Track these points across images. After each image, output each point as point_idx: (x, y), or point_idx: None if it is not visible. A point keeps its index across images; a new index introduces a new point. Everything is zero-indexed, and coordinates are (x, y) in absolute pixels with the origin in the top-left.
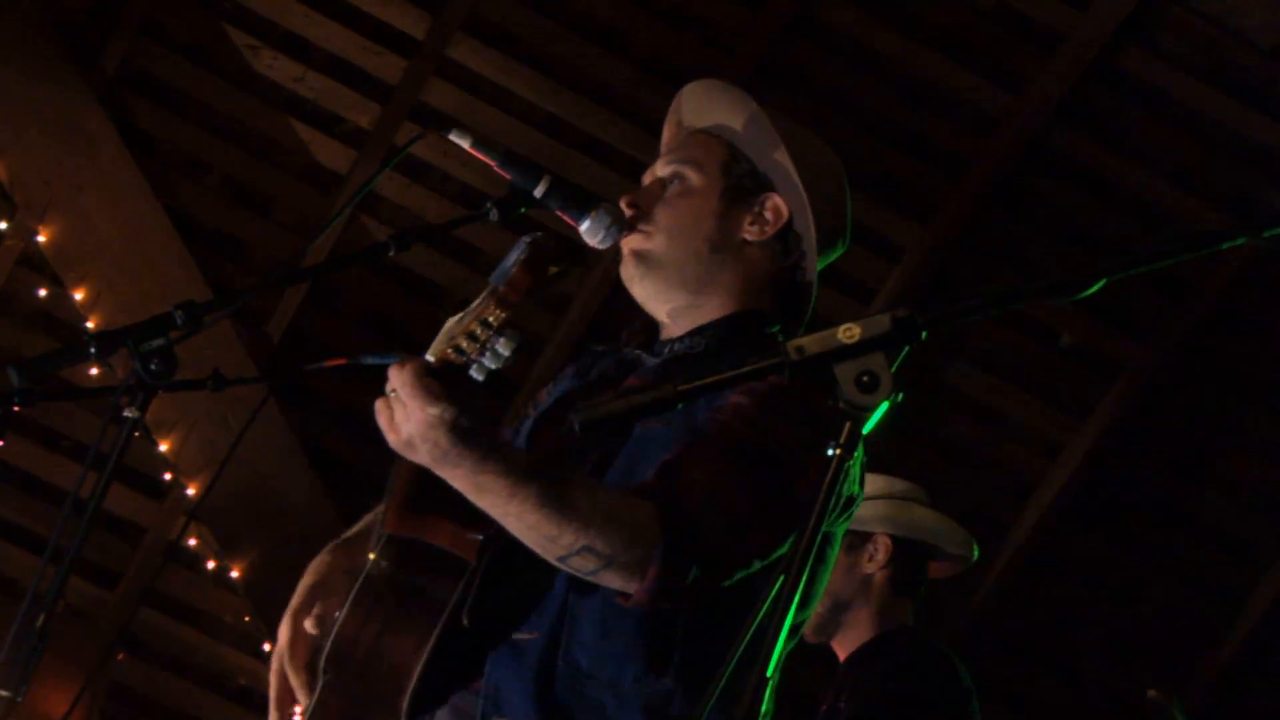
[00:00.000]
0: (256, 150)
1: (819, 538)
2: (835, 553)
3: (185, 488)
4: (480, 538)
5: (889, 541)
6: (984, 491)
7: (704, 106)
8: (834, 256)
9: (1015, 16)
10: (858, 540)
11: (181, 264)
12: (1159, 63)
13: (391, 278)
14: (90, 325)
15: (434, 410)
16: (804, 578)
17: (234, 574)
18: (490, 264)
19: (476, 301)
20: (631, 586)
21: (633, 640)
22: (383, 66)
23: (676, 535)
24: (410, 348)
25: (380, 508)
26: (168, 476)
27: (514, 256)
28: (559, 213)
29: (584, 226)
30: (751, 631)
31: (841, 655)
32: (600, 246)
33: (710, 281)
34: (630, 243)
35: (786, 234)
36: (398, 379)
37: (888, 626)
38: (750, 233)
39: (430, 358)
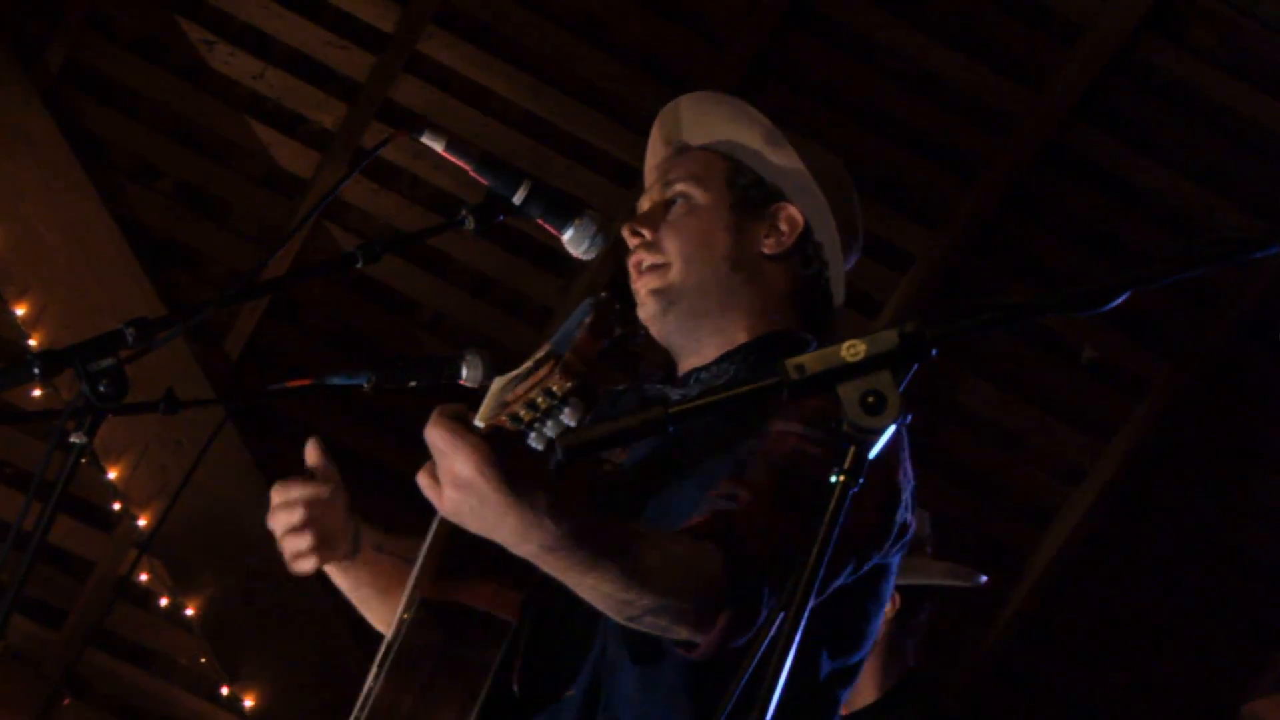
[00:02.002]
0: (212, 153)
1: (869, 567)
2: (890, 585)
3: (136, 518)
4: (522, 596)
5: (898, 598)
6: (1000, 519)
7: (696, 121)
8: (849, 264)
9: (1032, 7)
10: None
11: (132, 276)
12: (1186, 56)
13: (359, 291)
14: (33, 343)
15: (489, 469)
16: (806, 611)
17: (189, 612)
18: (465, 275)
19: (529, 364)
20: (699, 637)
21: (676, 691)
22: (348, 62)
23: (742, 581)
24: (379, 365)
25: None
26: (117, 506)
27: (576, 319)
28: (540, 221)
29: (566, 235)
30: (752, 666)
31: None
32: (585, 257)
33: (733, 303)
34: (646, 283)
35: (805, 244)
36: (433, 433)
37: (891, 679)
38: (768, 246)
39: (480, 423)
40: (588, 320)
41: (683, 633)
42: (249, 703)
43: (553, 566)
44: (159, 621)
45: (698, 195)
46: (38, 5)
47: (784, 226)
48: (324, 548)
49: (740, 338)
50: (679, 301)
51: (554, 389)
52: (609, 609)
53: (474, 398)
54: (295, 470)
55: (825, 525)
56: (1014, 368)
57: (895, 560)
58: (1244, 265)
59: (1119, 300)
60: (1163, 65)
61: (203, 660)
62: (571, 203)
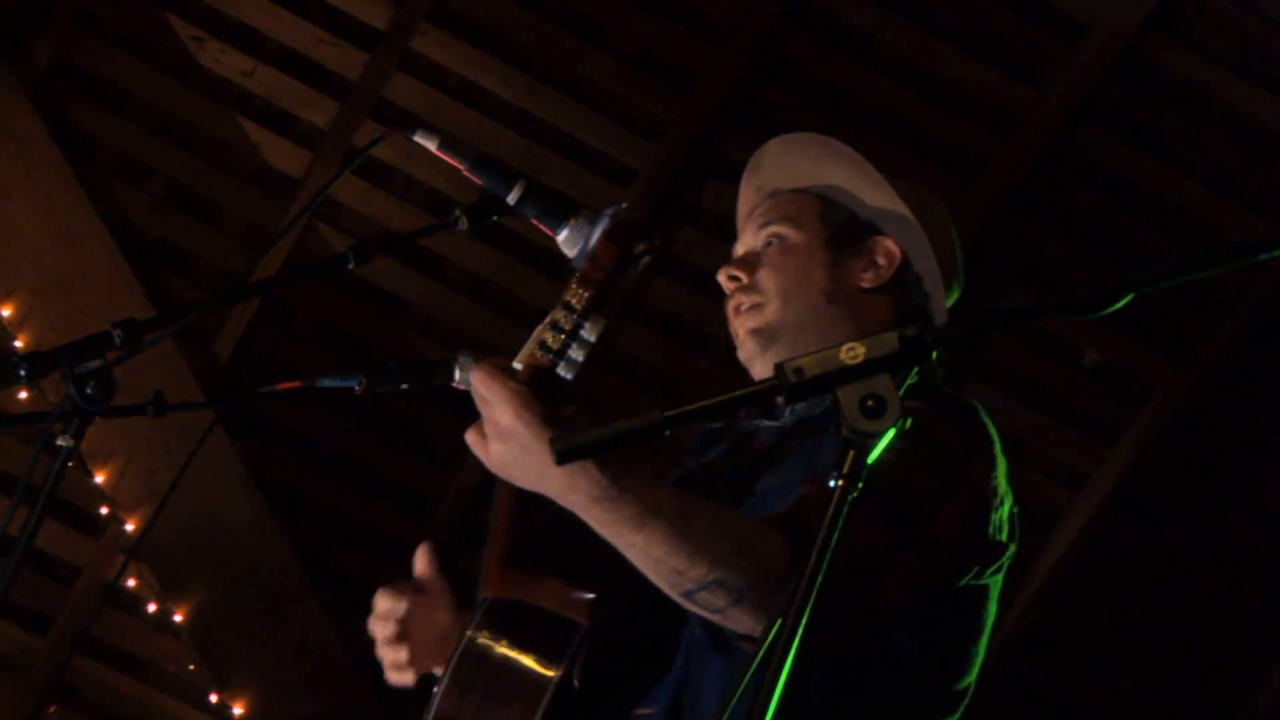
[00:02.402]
0: (202, 152)
1: (962, 587)
2: (993, 610)
3: (124, 523)
4: (592, 597)
5: None
6: None
7: (784, 163)
8: (951, 300)
9: (1035, 5)
10: None
11: (120, 277)
12: (1192, 55)
13: (351, 292)
14: (19, 345)
15: (526, 413)
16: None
17: (177, 618)
18: (459, 276)
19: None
20: (759, 627)
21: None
22: (341, 60)
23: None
24: (371, 368)
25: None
26: (104, 511)
27: (597, 230)
28: (534, 221)
29: (562, 236)
30: (748, 678)
31: None
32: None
33: (830, 337)
34: (744, 323)
35: (904, 276)
36: (476, 382)
37: None
38: (865, 279)
39: (517, 365)
40: (604, 227)
41: (743, 619)
42: (238, 710)
43: (601, 520)
44: (147, 628)
45: (791, 234)
46: (25, 1)
47: (881, 259)
48: (422, 659)
49: None
50: (778, 339)
51: (572, 302)
52: (662, 578)
53: (468, 400)
54: (294, 481)
55: (824, 529)
56: (1015, 371)
57: (995, 583)
58: (1249, 267)
59: (1122, 303)
60: (1168, 65)
61: (191, 667)
62: (567, 203)
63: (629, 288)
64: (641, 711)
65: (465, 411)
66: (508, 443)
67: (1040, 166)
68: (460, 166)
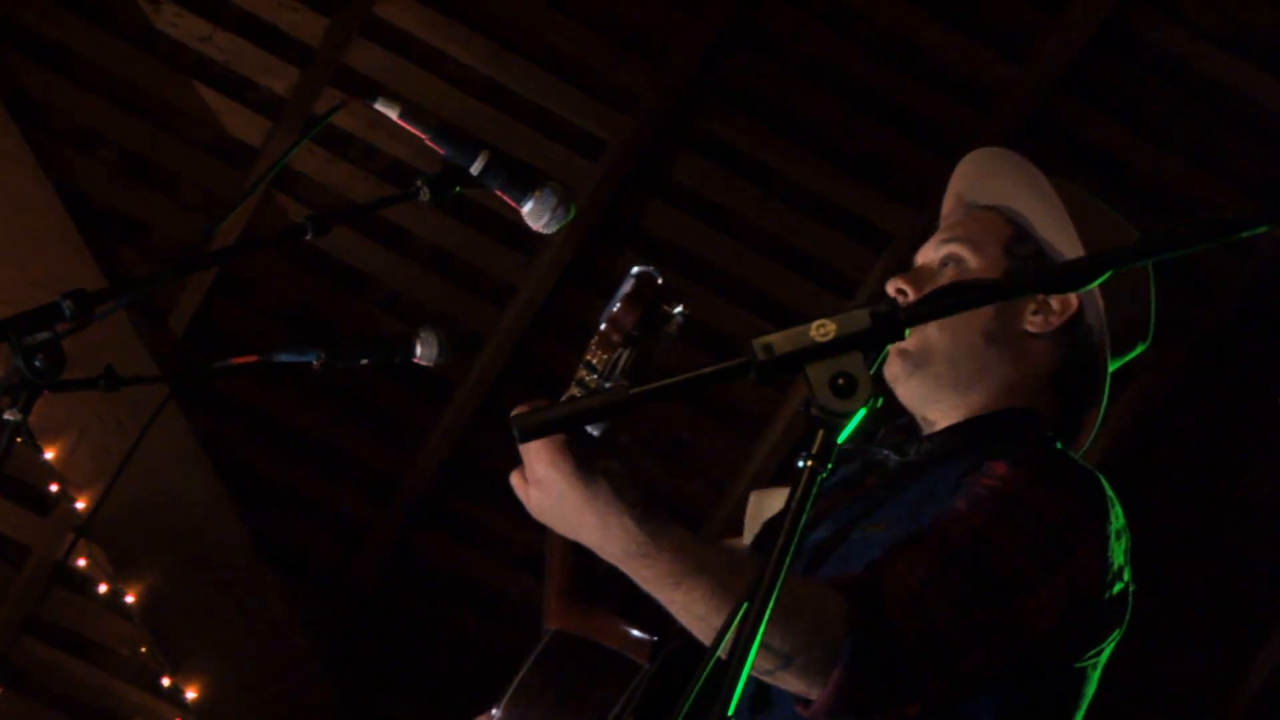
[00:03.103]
0: (158, 120)
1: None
2: (1092, 690)
3: (74, 501)
4: (654, 639)
5: None
6: None
7: (986, 179)
8: (1132, 355)
9: None
10: None
11: (72, 248)
12: (1177, 28)
13: (310, 264)
14: None
15: (562, 461)
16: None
17: (129, 599)
18: (421, 248)
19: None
20: (814, 692)
21: None
22: (301, 25)
23: (868, 640)
24: (330, 342)
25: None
26: (54, 488)
27: (619, 292)
28: (499, 192)
29: (526, 208)
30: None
31: None
32: (545, 231)
33: (982, 378)
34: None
35: (1075, 326)
36: (521, 444)
37: None
38: (1033, 324)
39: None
40: (626, 290)
41: (794, 682)
42: (191, 695)
43: (638, 575)
44: (98, 609)
45: (970, 259)
46: None
47: (1055, 305)
48: None
49: (981, 411)
50: (925, 366)
51: (593, 362)
52: (705, 638)
53: (429, 376)
54: (251, 458)
55: (792, 512)
56: None
57: (1097, 664)
58: (1234, 246)
59: (1099, 280)
60: (1152, 38)
61: (143, 650)
62: (532, 174)
63: (664, 355)
64: None
65: (426, 387)
66: (544, 490)
67: (1020, 141)
68: (423, 136)
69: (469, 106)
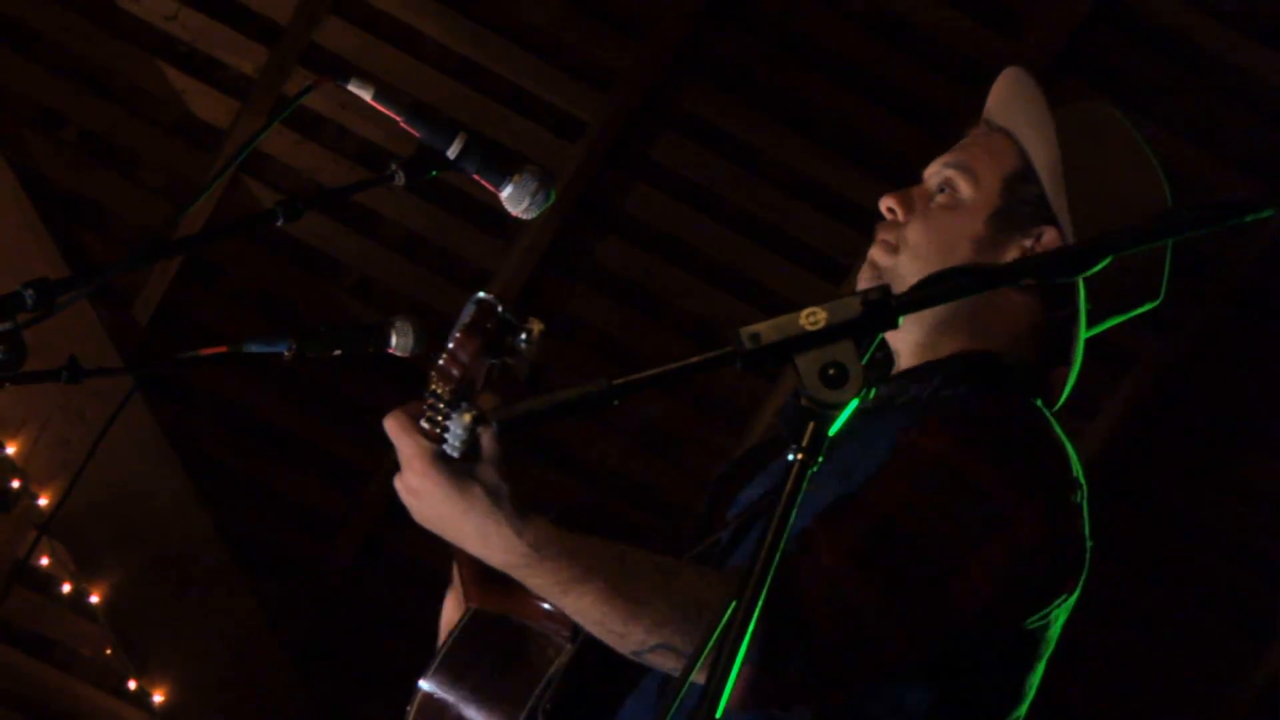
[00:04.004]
0: (121, 100)
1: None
2: (1055, 636)
3: (36, 497)
4: None
5: None
6: None
7: (1008, 102)
8: (1139, 312)
9: None
10: None
11: (32, 234)
12: (1176, 1)
13: (279, 251)
14: None
15: (435, 473)
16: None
17: (93, 598)
18: (395, 234)
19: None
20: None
21: None
22: (269, 2)
23: (779, 631)
24: (301, 332)
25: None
26: (15, 484)
27: (458, 321)
28: (476, 176)
29: (505, 193)
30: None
31: None
32: (525, 216)
33: (948, 320)
34: (873, 253)
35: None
36: (388, 431)
37: None
38: None
39: (424, 424)
40: (465, 320)
41: (702, 678)
42: (158, 698)
43: (529, 585)
44: (61, 609)
45: (964, 190)
46: None
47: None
48: None
49: (944, 355)
50: (899, 254)
51: (438, 391)
52: (607, 640)
53: (404, 366)
54: (218, 452)
55: (781, 506)
56: None
57: (1049, 624)
58: (1236, 229)
59: (1099, 266)
60: (1151, 12)
61: (108, 651)
62: (510, 157)
63: (524, 373)
64: None
65: (399, 378)
66: (420, 499)
67: None
68: (397, 117)
69: (443, 86)
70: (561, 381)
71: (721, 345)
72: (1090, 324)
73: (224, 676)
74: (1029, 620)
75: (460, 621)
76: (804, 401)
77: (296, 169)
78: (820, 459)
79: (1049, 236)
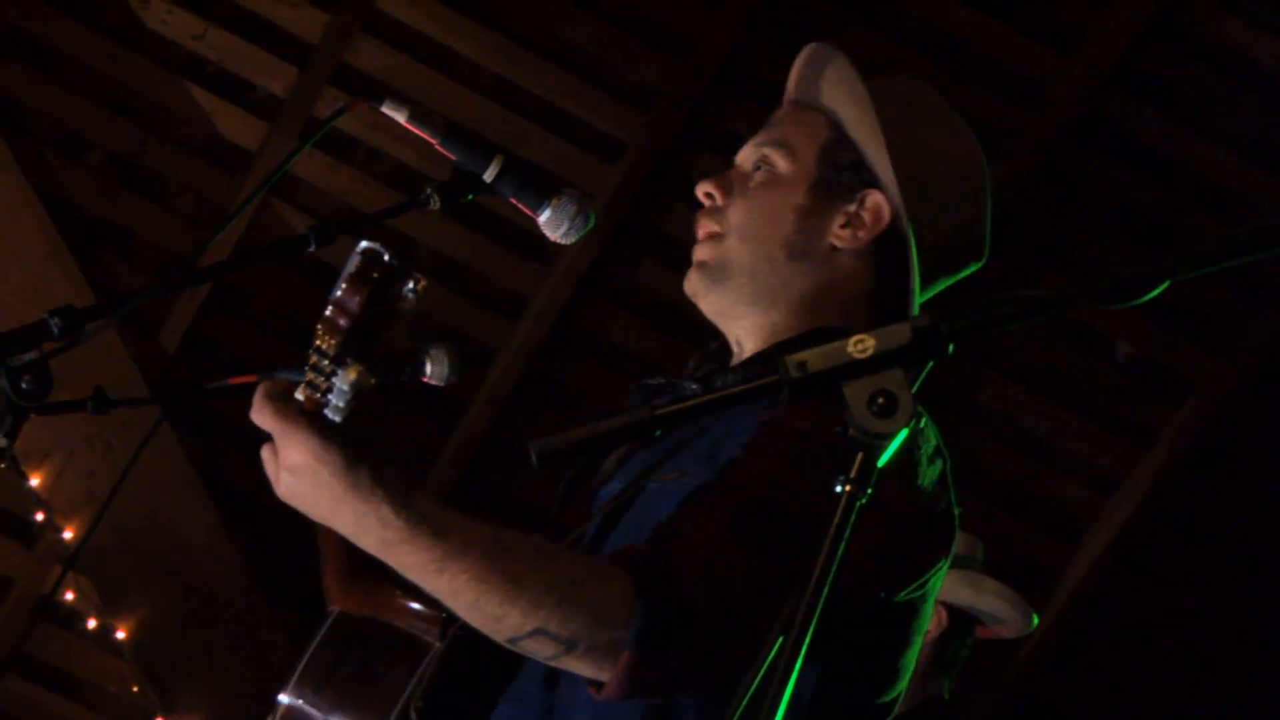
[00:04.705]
0: (148, 123)
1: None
2: (929, 611)
3: (61, 530)
4: (444, 614)
5: (945, 615)
6: (1026, 534)
7: (814, 76)
8: (965, 274)
9: None
10: None
11: (57, 260)
12: (1232, 18)
13: (311, 277)
14: None
15: (314, 443)
16: (808, 633)
17: (119, 634)
18: (429, 260)
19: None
20: (603, 675)
21: None
22: (299, 21)
23: (656, 615)
24: None
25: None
26: (40, 517)
27: (346, 269)
28: (513, 200)
29: (543, 217)
30: (747, 698)
31: None
32: (563, 241)
33: (785, 294)
34: (698, 252)
35: (889, 242)
36: (261, 417)
37: (914, 703)
38: (840, 237)
39: (299, 396)
40: (350, 269)
41: (580, 667)
42: None
43: (403, 564)
44: (86, 645)
45: (781, 164)
46: None
47: (866, 217)
48: None
49: (788, 335)
50: (724, 281)
51: (323, 347)
52: (479, 625)
53: (438, 396)
54: (248, 484)
55: (828, 544)
56: (1041, 365)
57: (925, 596)
58: None
59: (1158, 290)
60: (1207, 28)
61: (134, 689)
62: (548, 180)
63: (400, 330)
64: None
65: (434, 407)
66: (299, 477)
67: (1068, 139)
68: (431, 139)
69: (479, 106)
70: (601, 408)
71: (768, 373)
72: (923, 287)
73: (252, 713)
74: (905, 592)
75: (321, 629)
76: (852, 432)
77: (328, 192)
78: (870, 490)
79: (873, 199)
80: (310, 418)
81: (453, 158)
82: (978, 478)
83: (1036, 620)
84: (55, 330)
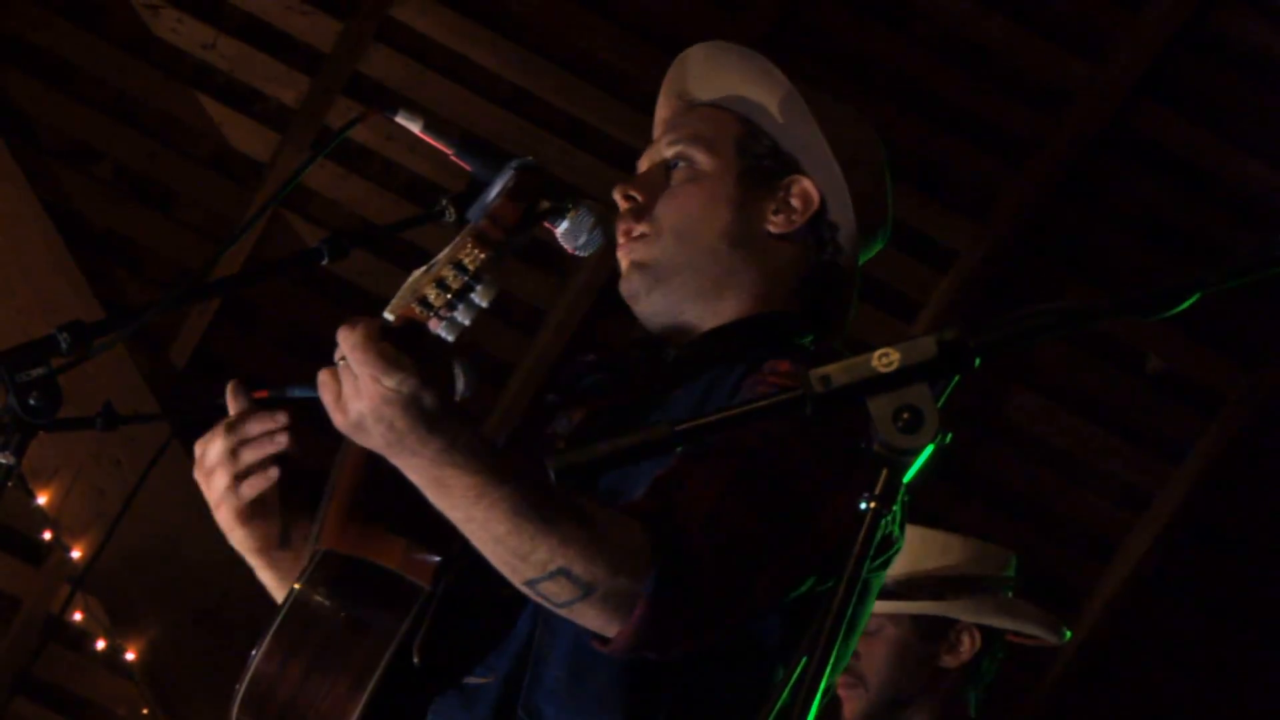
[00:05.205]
0: (157, 133)
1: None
2: (872, 602)
3: (69, 550)
4: (438, 559)
5: (979, 637)
6: (1055, 552)
7: (710, 74)
8: (873, 252)
9: None
10: (939, 628)
11: (65, 274)
12: (1265, 23)
13: (324, 291)
14: None
15: (390, 382)
16: (833, 652)
17: (129, 655)
18: None
19: (449, 247)
20: (612, 627)
21: (610, 687)
22: (311, 30)
23: (671, 568)
24: None
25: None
26: (47, 536)
27: (498, 186)
28: None
29: (561, 229)
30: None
31: None
32: (581, 253)
33: (729, 284)
34: (631, 252)
35: (819, 224)
36: (347, 342)
37: None
38: (775, 224)
39: (389, 315)
40: (508, 184)
41: (591, 615)
42: None
43: (444, 488)
44: (95, 667)
45: (701, 160)
46: None
47: (796, 203)
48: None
49: (734, 319)
50: (667, 280)
51: (465, 261)
52: (502, 562)
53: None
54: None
55: (854, 557)
56: (1069, 379)
57: (878, 578)
58: None
59: (1189, 302)
60: (1238, 34)
61: (144, 711)
62: (566, 191)
63: (523, 245)
64: (475, 680)
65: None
66: (370, 404)
67: (1096, 148)
68: (447, 150)
69: (495, 117)
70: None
71: (790, 389)
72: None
73: None
74: (873, 563)
75: (308, 568)
76: (877, 447)
77: (340, 204)
78: (897, 508)
79: (802, 184)
80: (394, 346)
81: (468, 169)
82: (1005, 494)
83: (1069, 634)
84: (63, 345)
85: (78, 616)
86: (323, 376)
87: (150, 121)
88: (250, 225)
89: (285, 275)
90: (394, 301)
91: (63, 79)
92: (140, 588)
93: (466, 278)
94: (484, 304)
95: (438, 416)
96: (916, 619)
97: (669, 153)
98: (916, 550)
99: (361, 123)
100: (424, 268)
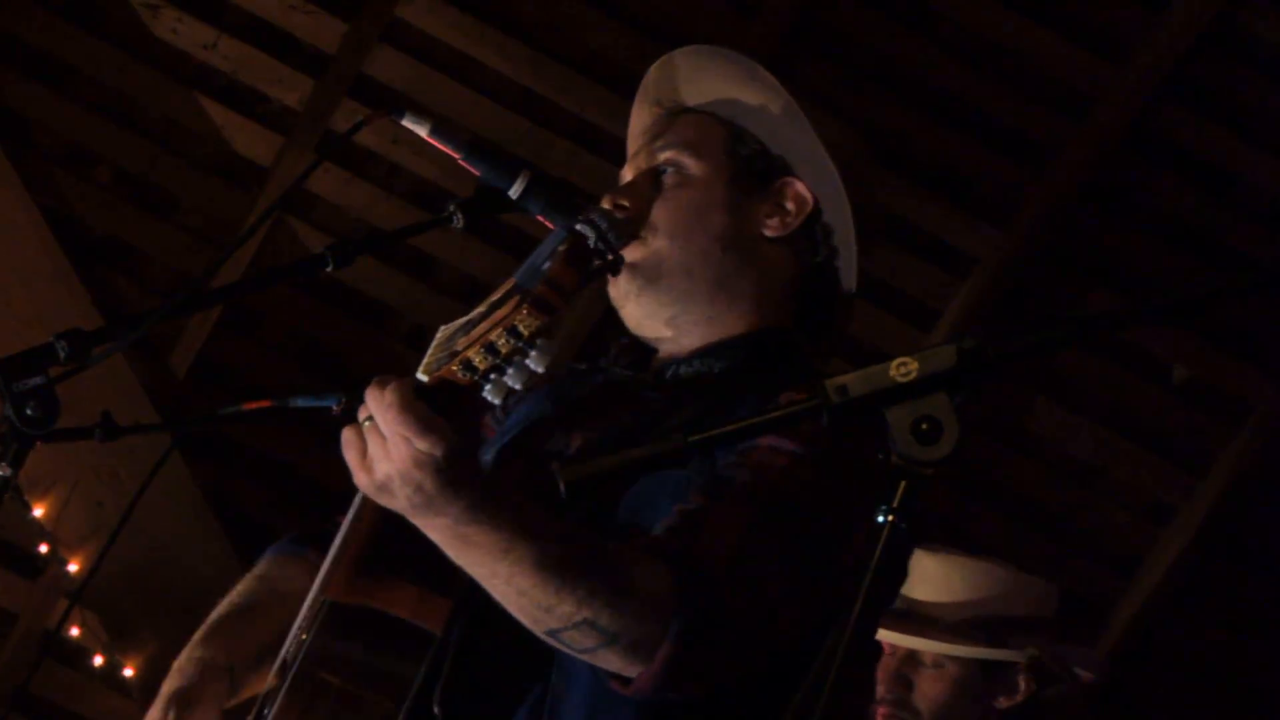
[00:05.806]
0: (157, 137)
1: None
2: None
3: (66, 563)
4: (450, 606)
5: (1034, 680)
6: (1076, 567)
7: (690, 79)
8: (869, 252)
9: None
10: (1001, 670)
11: (63, 281)
12: None
13: (328, 298)
14: None
15: (423, 445)
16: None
17: (127, 672)
18: (452, 280)
19: (484, 306)
20: (633, 670)
21: None
22: (315, 30)
23: (696, 612)
24: (351, 384)
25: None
26: (44, 549)
27: (547, 248)
28: (540, 217)
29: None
30: None
31: None
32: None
33: (724, 290)
34: (624, 254)
35: (813, 227)
36: (379, 404)
37: None
38: (770, 227)
39: (423, 376)
40: (562, 249)
41: (614, 661)
42: None
43: (468, 545)
44: (93, 684)
45: (691, 165)
46: None
47: (790, 205)
48: None
49: (729, 330)
50: (658, 281)
51: (520, 328)
52: (525, 614)
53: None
54: (261, 514)
55: (871, 573)
56: (1091, 389)
57: None
58: None
59: (1215, 310)
60: (1264, 35)
61: None
62: (578, 197)
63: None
64: None
65: None
66: (401, 467)
67: (1119, 152)
68: (454, 154)
69: (504, 119)
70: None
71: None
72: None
73: None
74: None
75: (315, 617)
76: (895, 458)
77: (345, 209)
78: (909, 521)
79: (796, 187)
80: (427, 407)
81: (477, 173)
82: (1028, 507)
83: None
84: (61, 354)
85: (75, 632)
86: (347, 435)
87: (150, 124)
88: (252, 231)
89: (289, 282)
90: (427, 360)
91: (60, 81)
92: (139, 602)
93: (519, 343)
94: (540, 369)
95: (464, 478)
96: (981, 660)
97: (659, 159)
98: (970, 582)
99: (367, 126)
100: (459, 324)
